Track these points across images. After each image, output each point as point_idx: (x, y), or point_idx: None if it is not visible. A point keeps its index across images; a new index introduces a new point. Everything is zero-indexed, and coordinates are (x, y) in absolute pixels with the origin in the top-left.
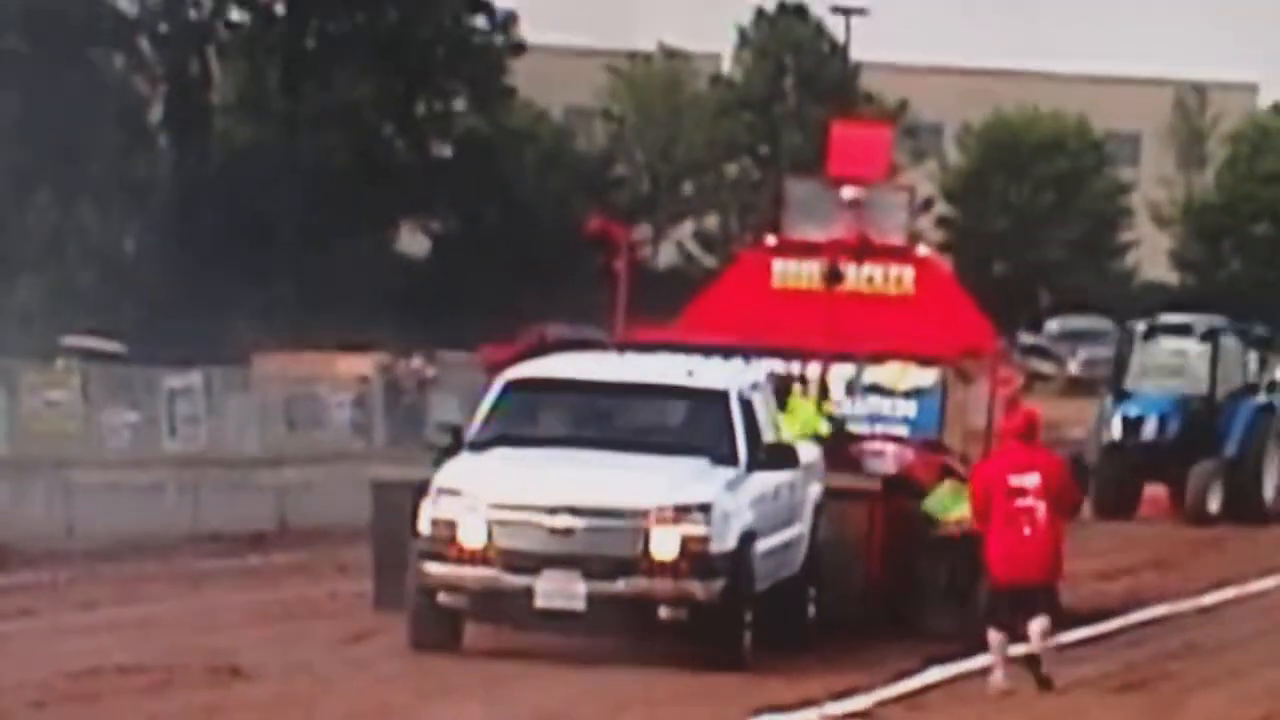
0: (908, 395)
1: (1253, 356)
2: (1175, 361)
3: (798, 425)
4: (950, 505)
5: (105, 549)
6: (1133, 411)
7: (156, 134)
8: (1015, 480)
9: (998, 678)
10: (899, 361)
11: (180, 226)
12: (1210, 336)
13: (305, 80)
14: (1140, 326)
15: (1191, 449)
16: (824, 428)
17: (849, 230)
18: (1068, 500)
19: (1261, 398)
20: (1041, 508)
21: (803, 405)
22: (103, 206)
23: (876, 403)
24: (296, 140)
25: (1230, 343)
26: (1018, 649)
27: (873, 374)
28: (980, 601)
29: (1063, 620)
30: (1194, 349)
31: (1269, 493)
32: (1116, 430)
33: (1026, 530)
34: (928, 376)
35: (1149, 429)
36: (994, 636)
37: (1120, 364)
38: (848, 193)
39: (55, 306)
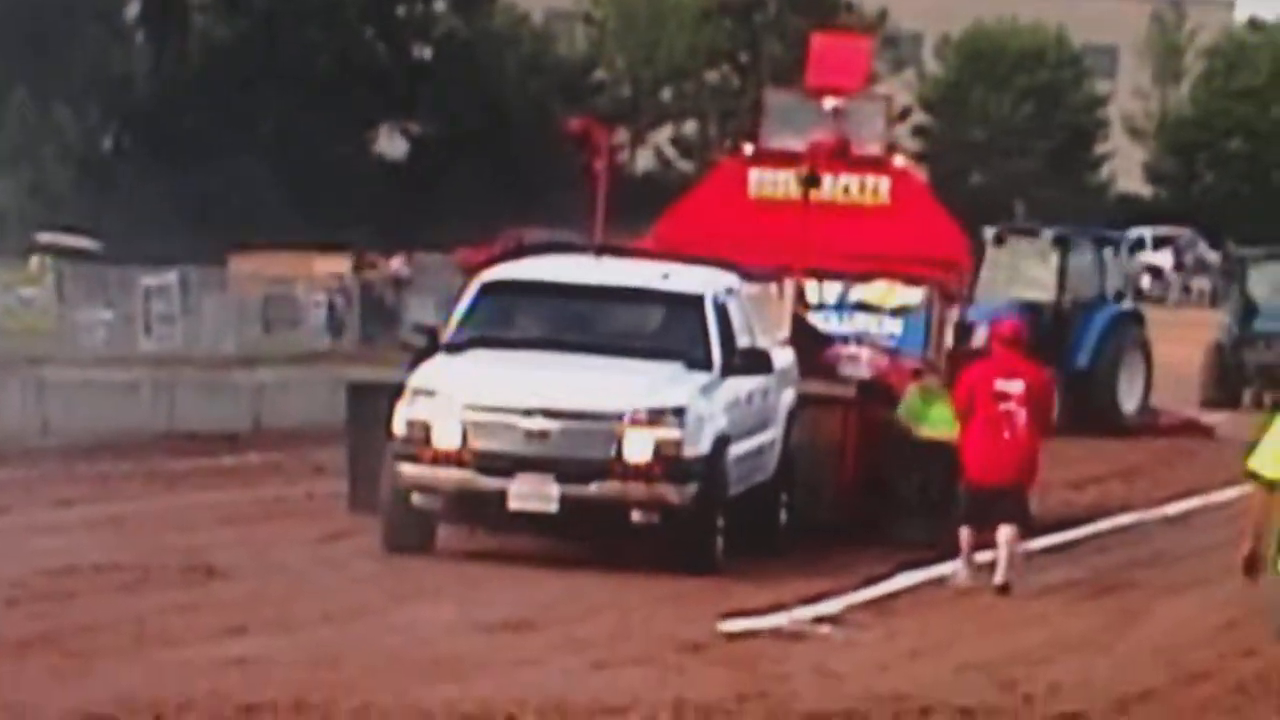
0: (894, 313)
1: (1113, 264)
2: (1023, 267)
3: None
4: (922, 411)
5: (80, 447)
6: (968, 318)
7: (134, 31)
8: (1001, 385)
9: (962, 575)
10: (886, 280)
11: (158, 125)
12: (1060, 243)
13: None
14: (990, 232)
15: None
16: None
17: (828, 135)
18: (1047, 410)
19: (1124, 305)
20: (1023, 414)
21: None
22: (79, 105)
23: (864, 320)
24: (276, 40)
25: (1083, 249)
26: (985, 555)
27: (860, 292)
28: (955, 502)
29: (1031, 527)
30: (1043, 255)
31: (1128, 404)
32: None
33: (1006, 435)
34: (914, 295)
35: (979, 336)
36: (965, 534)
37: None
38: (830, 103)
39: (31, 205)
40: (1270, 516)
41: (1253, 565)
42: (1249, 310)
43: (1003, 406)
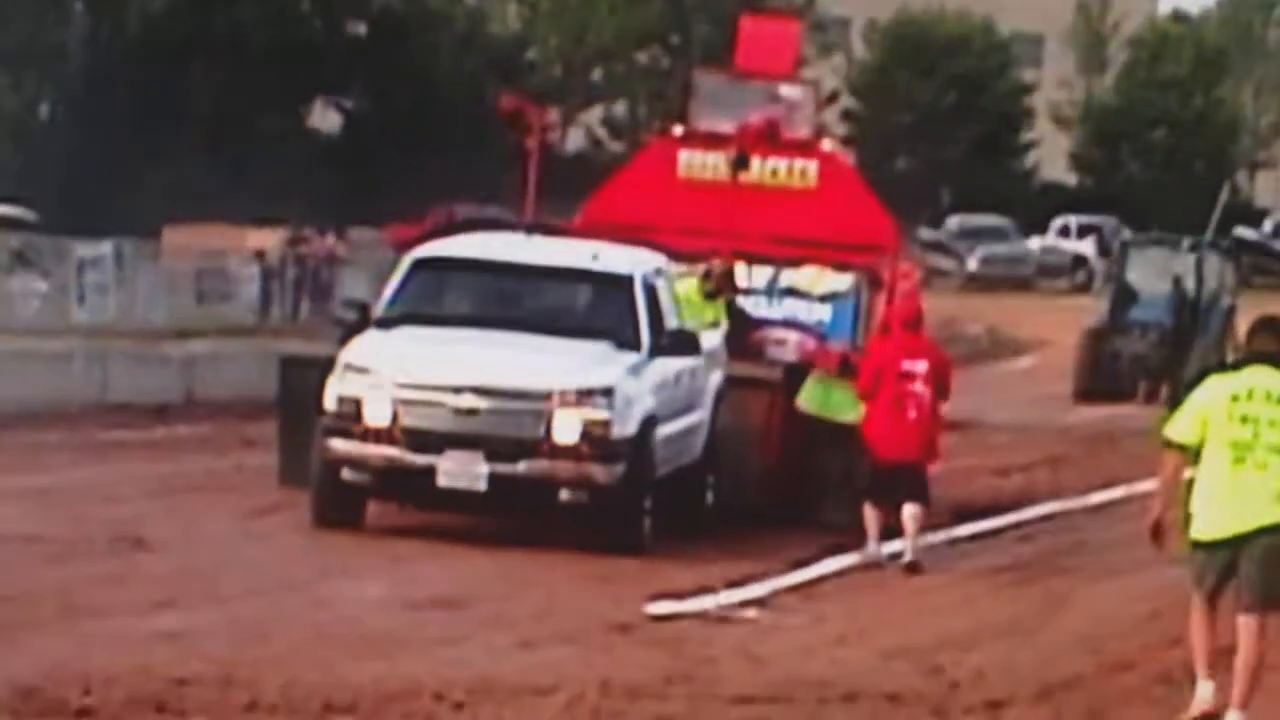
0: (823, 299)
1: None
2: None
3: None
4: (823, 398)
5: (11, 417)
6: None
7: (71, 2)
8: (908, 365)
9: (873, 548)
10: (815, 266)
11: (94, 97)
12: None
13: None
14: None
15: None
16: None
17: (758, 118)
18: (947, 390)
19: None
20: (927, 394)
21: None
22: (15, 74)
23: (792, 305)
24: (212, 13)
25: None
26: (893, 545)
27: (789, 277)
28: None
29: (931, 504)
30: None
31: None
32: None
33: (912, 414)
34: (843, 281)
35: None
36: (870, 511)
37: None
38: (765, 87)
39: None
40: (1179, 484)
41: (1158, 532)
42: (1127, 297)
43: (909, 386)
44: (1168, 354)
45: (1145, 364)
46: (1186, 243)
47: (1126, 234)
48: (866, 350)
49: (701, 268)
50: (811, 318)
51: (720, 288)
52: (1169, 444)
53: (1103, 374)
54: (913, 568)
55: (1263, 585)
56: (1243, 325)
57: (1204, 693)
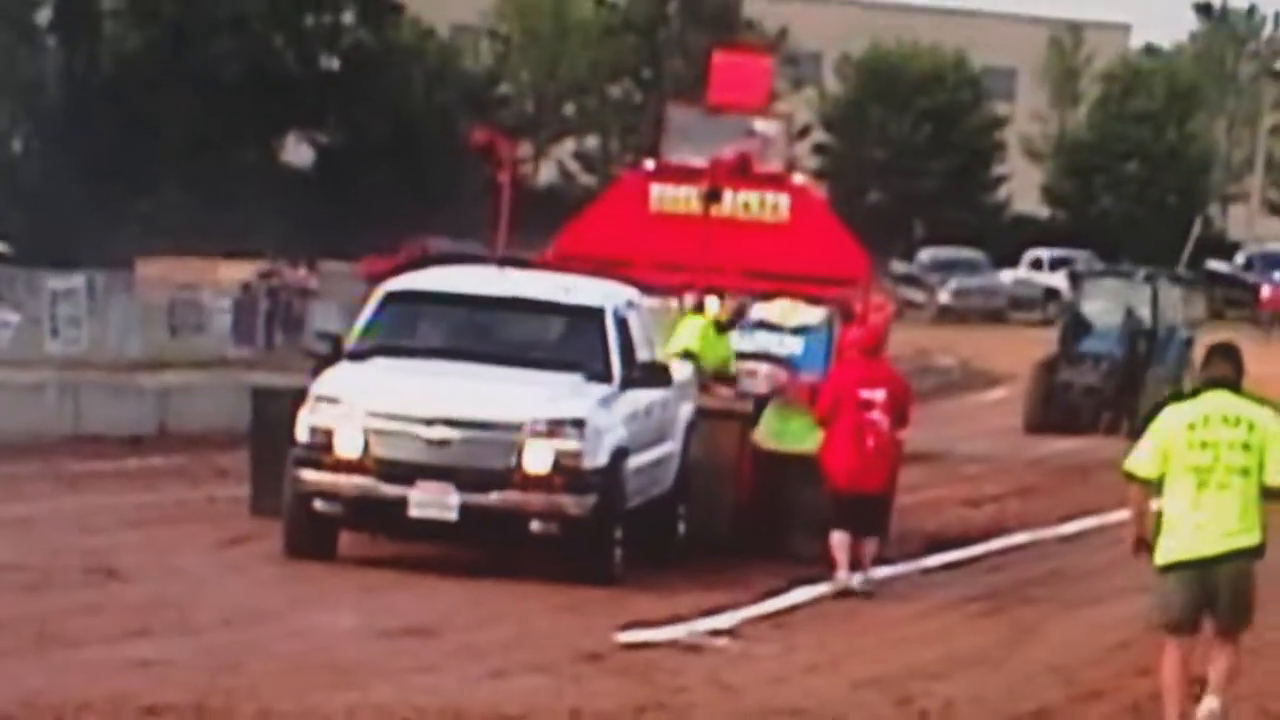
0: (795, 332)
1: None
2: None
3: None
4: (781, 429)
5: None
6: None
7: (44, 36)
8: (865, 394)
9: (843, 575)
10: (787, 299)
11: (68, 130)
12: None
13: None
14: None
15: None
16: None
17: (729, 152)
18: (907, 417)
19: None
20: (885, 422)
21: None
22: None
23: (765, 339)
24: (185, 47)
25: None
26: (855, 578)
27: (761, 310)
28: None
29: (887, 534)
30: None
31: None
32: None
33: (870, 442)
34: (815, 314)
35: None
36: (837, 537)
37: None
38: (741, 121)
39: None
40: (1147, 507)
41: (1139, 547)
42: (1080, 329)
43: (868, 415)
44: (1118, 385)
45: (1098, 395)
46: (1141, 274)
47: (1080, 267)
48: (826, 376)
49: (714, 301)
50: (784, 350)
51: (734, 321)
52: (1131, 478)
53: (1054, 406)
54: (865, 596)
55: (1233, 612)
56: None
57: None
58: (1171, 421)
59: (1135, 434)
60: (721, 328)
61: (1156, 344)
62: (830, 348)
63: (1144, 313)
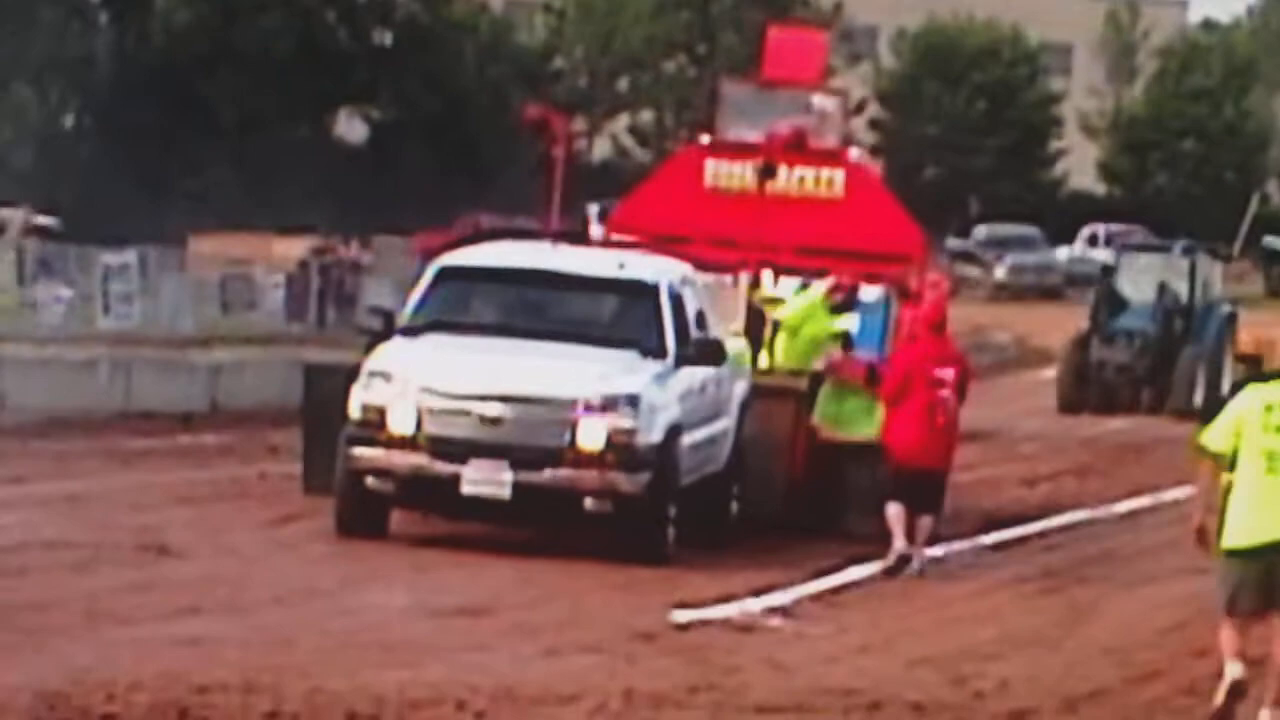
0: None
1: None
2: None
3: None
4: (837, 410)
5: (36, 425)
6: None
7: (96, 13)
8: (939, 372)
9: (900, 544)
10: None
11: (119, 106)
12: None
13: None
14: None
15: None
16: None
17: (786, 127)
18: (966, 394)
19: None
20: (953, 400)
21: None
22: (41, 85)
23: None
24: (236, 23)
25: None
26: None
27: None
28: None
29: (941, 512)
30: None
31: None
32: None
33: (940, 420)
34: (872, 293)
35: None
36: (894, 509)
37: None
38: (815, 101)
39: None
40: (1216, 490)
41: (1203, 537)
42: (1116, 305)
43: (939, 393)
44: (1151, 362)
45: (1130, 373)
46: (1179, 248)
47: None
48: (892, 357)
49: (830, 280)
50: (840, 328)
51: (849, 304)
52: (1203, 452)
53: (1089, 384)
54: (918, 575)
55: None
56: (1245, 332)
57: (1233, 670)
58: (1250, 400)
59: (1178, 413)
60: (835, 309)
61: (1194, 320)
62: (886, 326)
63: (1180, 288)
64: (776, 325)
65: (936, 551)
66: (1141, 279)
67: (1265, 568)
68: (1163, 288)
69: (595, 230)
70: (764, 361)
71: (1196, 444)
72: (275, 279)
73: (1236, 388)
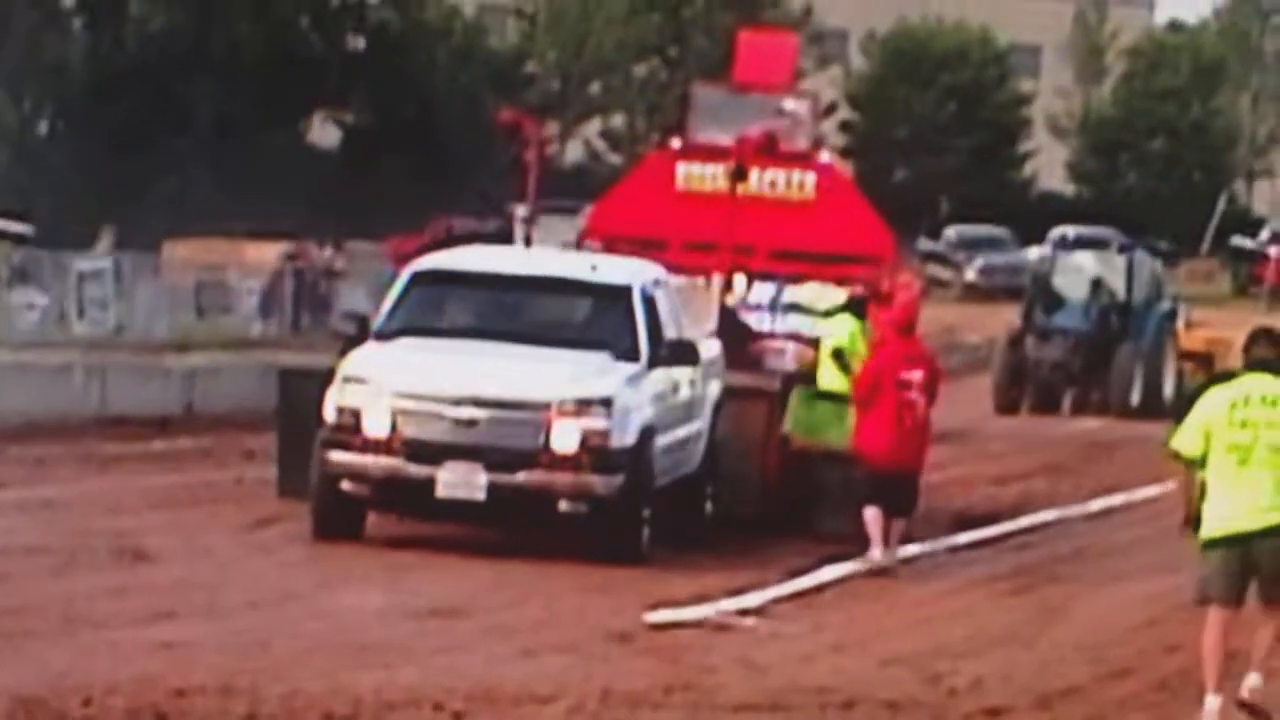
0: (826, 314)
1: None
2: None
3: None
4: (808, 418)
5: (12, 430)
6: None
7: (70, 18)
8: (906, 374)
9: (877, 553)
10: (817, 282)
11: (93, 112)
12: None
13: None
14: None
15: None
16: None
17: (757, 130)
18: (937, 395)
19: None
20: (922, 402)
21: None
22: (14, 90)
23: (796, 321)
24: (211, 29)
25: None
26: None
27: (792, 293)
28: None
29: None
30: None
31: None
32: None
33: (909, 422)
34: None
35: None
36: (871, 513)
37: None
38: (786, 104)
39: None
40: (1195, 485)
41: (1187, 525)
42: (1052, 303)
43: (907, 395)
44: (1085, 361)
45: (1065, 370)
46: (1115, 244)
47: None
48: (864, 359)
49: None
50: (814, 332)
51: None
52: (1176, 457)
53: (1023, 384)
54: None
55: (1274, 583)
56: (1197, 331)
57: (1211, 706)
58: (1215, 401)
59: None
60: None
61: (1132, 317)
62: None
63: (1117, 285)
64: (839, 352)
65: (910, 551)
66: (1077, 277)
67: (1241, 558)
68: (1097, 284)
69: (519, 231)
70: (828, 382)
71: (1169, 449)
72: (250, 284)
73: (1200, 391)
